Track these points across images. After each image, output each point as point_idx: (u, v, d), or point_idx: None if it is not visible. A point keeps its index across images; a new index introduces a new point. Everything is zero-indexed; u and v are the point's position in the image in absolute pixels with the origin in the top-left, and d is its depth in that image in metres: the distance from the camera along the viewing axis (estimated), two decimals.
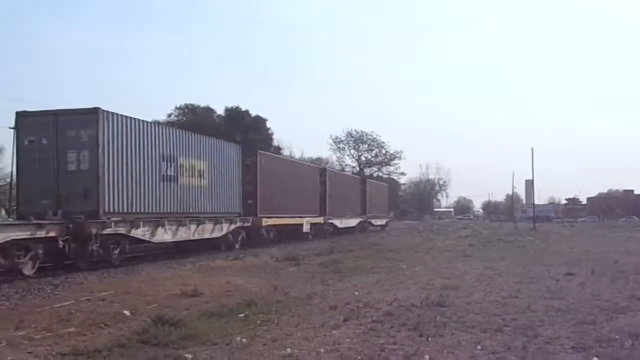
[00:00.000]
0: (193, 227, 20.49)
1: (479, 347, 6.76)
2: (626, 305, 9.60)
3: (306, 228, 31.88)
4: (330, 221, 36.59)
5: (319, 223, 34.58)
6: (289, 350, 6.61)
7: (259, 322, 8.20)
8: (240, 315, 8.67)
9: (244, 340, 7.05)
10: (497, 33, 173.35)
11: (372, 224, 49.42)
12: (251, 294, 11.02)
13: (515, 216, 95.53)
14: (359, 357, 6.34)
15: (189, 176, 20.25)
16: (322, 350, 6.65)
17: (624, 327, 7.81)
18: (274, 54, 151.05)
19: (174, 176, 19.32)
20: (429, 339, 7.12)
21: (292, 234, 30.21)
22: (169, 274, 14.67)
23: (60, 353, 6.53)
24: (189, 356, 6.35)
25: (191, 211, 20.54)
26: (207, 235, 21.55)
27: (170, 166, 19.12)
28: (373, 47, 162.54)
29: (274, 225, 27.70)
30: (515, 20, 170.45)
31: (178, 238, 19.69)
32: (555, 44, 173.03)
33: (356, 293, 11.04)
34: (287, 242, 27.61)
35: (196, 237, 20.77)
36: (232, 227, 23.72)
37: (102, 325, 8.17)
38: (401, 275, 14.16)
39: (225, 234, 23.12)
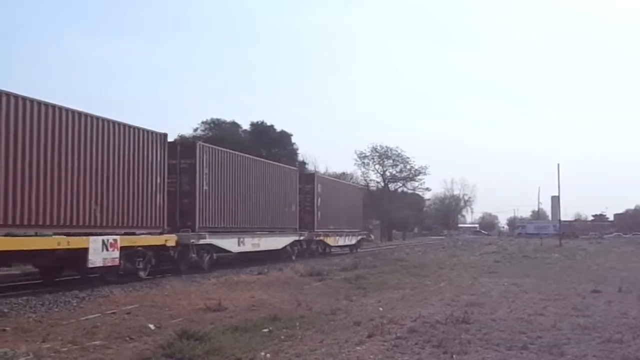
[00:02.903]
0: None
1: None
2: None
3: (95, 259, 14.70)
4: (202, 242, 19.72)
5: (161, 245, 17.60)
6: None
7: (283, 337, 8.20)
8: (265, 330, 8.68)
9: (268, 355, 7.05)
10: (523, 46, 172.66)
11: (327, 244, 32.55)
12: (275, 308, 11.04)
13: (515, 232, 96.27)
14: None
15: None
16: None
17: None
18: (301, 69, 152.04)
19: None
20: (454, 357, 7.06)
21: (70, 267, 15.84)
22: (194, 288, 14.76)
23: None
24: None
25: None
26: None
27: None
28: (399, 63, 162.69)
29: None
30: (542, 33, 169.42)
31: None
32: (581, 56, 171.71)
33: (380, 309, 11.00)
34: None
35: None
36: None
37: (128, 338, 8.24)
38: (426, 292, 14.07)
39: None
